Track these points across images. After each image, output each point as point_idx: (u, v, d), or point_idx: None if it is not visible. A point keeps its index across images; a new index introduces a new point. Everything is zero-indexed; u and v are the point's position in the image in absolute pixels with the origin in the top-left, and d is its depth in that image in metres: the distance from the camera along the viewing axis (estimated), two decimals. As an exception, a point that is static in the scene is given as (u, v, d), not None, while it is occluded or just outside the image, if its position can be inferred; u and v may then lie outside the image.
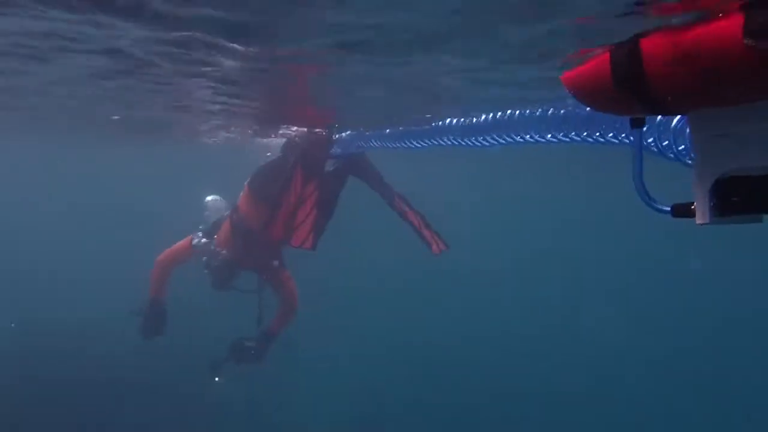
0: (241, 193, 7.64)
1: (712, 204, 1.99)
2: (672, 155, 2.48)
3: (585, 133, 3.25)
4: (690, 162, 2.35)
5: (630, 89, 2.01)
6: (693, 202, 2.07)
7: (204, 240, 7.75)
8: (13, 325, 13.07)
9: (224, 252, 7.45)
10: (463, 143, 4.32)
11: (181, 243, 7.91)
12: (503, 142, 3.85)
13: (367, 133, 6.79)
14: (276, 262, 7.66)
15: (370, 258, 18.89)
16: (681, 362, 16.27)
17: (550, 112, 3.52)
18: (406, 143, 5.56)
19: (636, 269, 19.48)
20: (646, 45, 1.98)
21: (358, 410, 13.06)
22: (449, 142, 4.58)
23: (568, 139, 3.37)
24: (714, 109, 1.99)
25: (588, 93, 2.21)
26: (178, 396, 11.45)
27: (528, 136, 3.58)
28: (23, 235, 18.51)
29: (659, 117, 2.58)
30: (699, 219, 2.02)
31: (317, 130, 7.97)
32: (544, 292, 19.12)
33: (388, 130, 6.25)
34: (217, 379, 8.25)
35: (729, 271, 18.55)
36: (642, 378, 15.72)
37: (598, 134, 3.16)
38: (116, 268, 14.68)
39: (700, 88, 1.89)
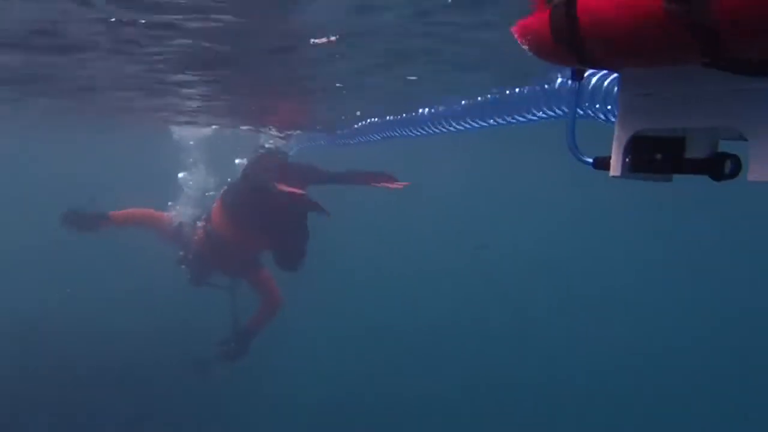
0: (215, 204, 7.82)
1: (626, 159, 2.09)
2: (602, 115, 2.45)
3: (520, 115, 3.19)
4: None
5: (566, 44, 2.08)
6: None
7: (179, 223, 7.90)
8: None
9: (197, 248, 7.66)
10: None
11: (163, 213, 8.12)
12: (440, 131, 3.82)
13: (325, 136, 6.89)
14: (251, 266, 7.83)
15: (360, 253, 19.04)
16: (678, 361, 16.25)
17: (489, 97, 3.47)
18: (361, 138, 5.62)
19: (634, 268, 19.55)
20: (582, 2, 2.03)
21: (349, 406, 12.96)
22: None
23: (506, 122, 3.31)
24: (641, 68, 2.06)
25: (533, 45, 2.26)
26: (170, 387, 11.48)
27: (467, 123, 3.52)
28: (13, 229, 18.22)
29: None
30: (612, 171, 2.12)
31: (266, 146, 8.13)
32: (539, 288, 19.14)
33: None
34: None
35: (727, 270, 18.66)
36: (640, 377, 15.68)
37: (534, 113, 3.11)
38: (105, 260, 15.07)
39: (623, 47, 1.95)
